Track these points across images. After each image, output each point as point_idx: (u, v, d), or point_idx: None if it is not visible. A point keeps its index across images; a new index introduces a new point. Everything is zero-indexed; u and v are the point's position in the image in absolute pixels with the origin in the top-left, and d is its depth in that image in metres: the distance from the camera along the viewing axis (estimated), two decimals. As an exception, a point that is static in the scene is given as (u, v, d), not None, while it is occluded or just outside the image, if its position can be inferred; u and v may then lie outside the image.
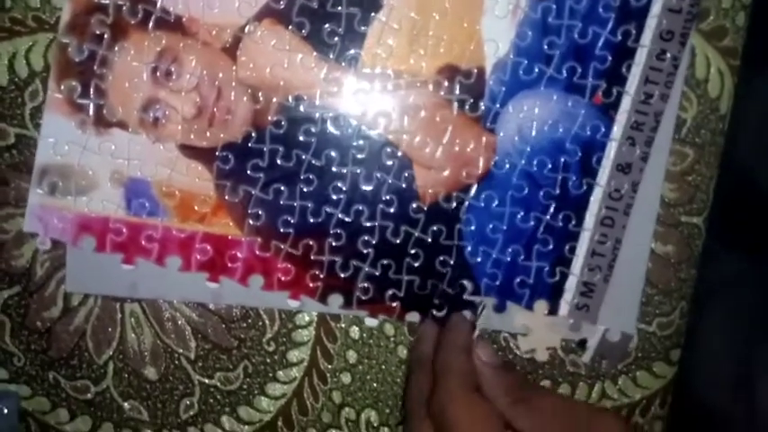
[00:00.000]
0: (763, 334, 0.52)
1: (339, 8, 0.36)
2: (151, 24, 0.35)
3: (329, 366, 0.40)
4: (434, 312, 0.39)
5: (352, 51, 0.37)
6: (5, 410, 0.37)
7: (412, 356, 0.39)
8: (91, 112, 0.36)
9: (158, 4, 0.35)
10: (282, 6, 0.36)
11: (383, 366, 0.40)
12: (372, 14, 0.36)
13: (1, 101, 0.37)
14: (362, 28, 0.36)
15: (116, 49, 0.35)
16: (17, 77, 0.37)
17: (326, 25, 0.36)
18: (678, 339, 0.41)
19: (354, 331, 0.40)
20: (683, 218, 0.40)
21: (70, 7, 0.35)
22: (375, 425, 0.41)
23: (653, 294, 0.40)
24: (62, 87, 0.36)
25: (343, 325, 0.40)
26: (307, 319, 0.40)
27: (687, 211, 0.40)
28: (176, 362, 0.40)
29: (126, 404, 0.40)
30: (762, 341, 0.52)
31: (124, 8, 0.35)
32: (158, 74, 0.36)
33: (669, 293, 0.40)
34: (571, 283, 0.39)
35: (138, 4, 0.35)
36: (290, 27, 0.36)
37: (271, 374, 0.40)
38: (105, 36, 0.35)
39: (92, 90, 0.36)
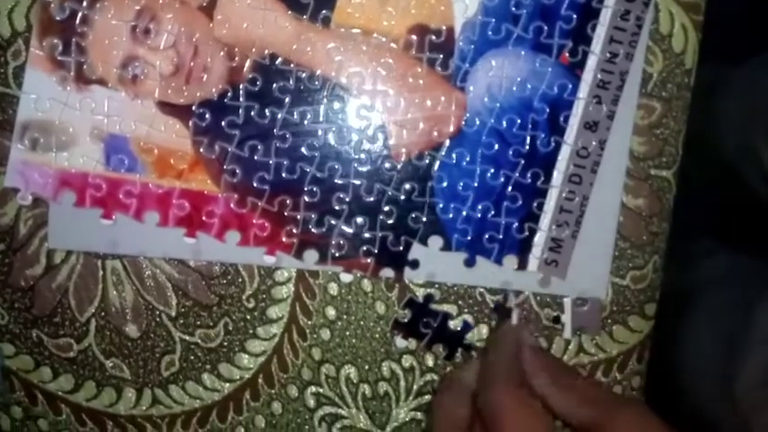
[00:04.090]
0: (745, 327, 0.51)
1: (312, -31, 0.36)
2: (130, -16, 0.35)
3: (309, 323, 0.39)
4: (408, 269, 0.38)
5: (324, 11, 0.36)
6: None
7: (444, 380, 0.38)
8: (72, 69, 0.35)
9: (136, -36, 0.35)
10: (257, -32, 0.35)
11: (362, 322, 0.39)
12: (344, -25, 0.36)
13: (-16, 60, 0.36)
14: (335, -12, 0.36)
15: (96, 7, 0.35)
16: (0, 37, 0.36)
17: (300, -14, 0.36)
18: (652, 293, 0.40)
19: (333, 287, 0.39)
20: (653, 171, 0.39)
21: (52, -32, 0.35)
22: (354, 381, 0.40)
23: (625, 248, 0.39)
24: (44, 44, 0.35)
25: (321, 281, 0.39)
26: (285, 275, 0.39)
27: (657, 164, 0.39)
28: (157, 319, 0.39)
29: (108, 362, 0.39)
30: (744, 335, 0.51)
31: (104, -32, 0.35)
32: (137, 32, 0.35)
33: (642, 247, 0.39)
34: (540, 239, 0.38)
35: (117, -37, 0.35)
36: (264, -13, 0.36)
37: (251, 331, 0.39)
38: (85, -5, 0.35)
39: (73, 47, 0.35)
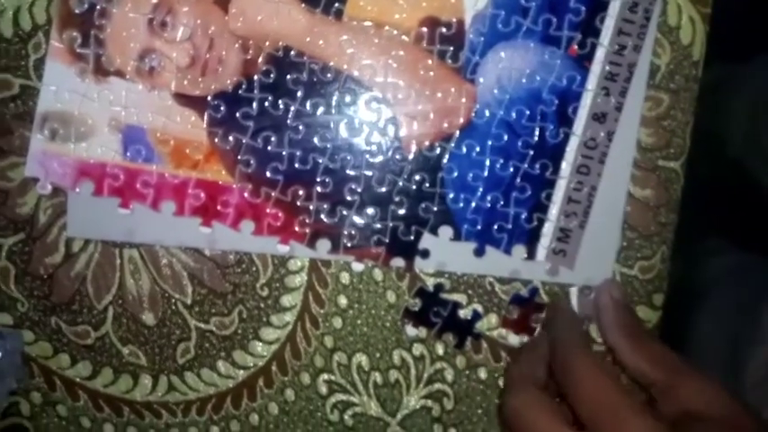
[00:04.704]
0: (753, 326, 0.52)
1: (325, -37, 0.36)
2: (147, -22, 0.35)
3: (321, 311, 0.40)
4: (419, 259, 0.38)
5: (337, 4, 0.36)
6: (8, 347, 0.37)
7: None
8: (90, 61, 0.36)
9: (154, -41, 0.35)
10: (271, -38, 0.36)
11: (373, 311, 0.40)
12: (356, -31, 0.36)
13: (6, 53, 0.37)
14: (347, -18, 0.36)
15: (114, 0, 0.35)
16: (21, 30, 0.37)
17: (313, -20, 0.36)
18: (660, 284, 0.40)
19: (344, 277, 0.40)
20: (661, 162, 0.39)
21: (71, -38, 0.35)
22: (366, 369, 0.40)
23: (633, 238, 0.39)
24: (63, 37, 0.35)
25: (333, 270, 0.39)
26: (299, 264, 0.39)
27: (664, 155, 0.39)
28: (173, 307, 0.40)
29: (125, 349, 0.40)
30: (750, 334, 0.51)
31: (122, -37, 0.35)
32: (154, 25, 0.36)
33: (649, 237, 0.39)
34: (548, 229, 0.39)
35: (135, -42, 0.35)
36: (278, -19, 0.36)
37: (265, 319, 0.40)
38: (104, -11, 0.35)
39: (91, 40, 0.35)
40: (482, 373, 0.40)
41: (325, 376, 0.40)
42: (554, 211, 0.38)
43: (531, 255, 0.39)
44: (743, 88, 0.60)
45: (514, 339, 0.40)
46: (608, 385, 0.31)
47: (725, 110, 0.61)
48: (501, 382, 0.40)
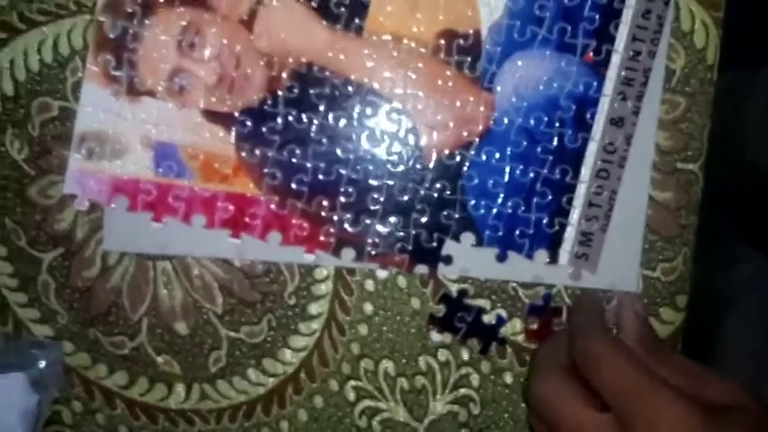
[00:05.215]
0: None
1: (345, -18, 0.37)
2: (176, 1, 0.37)
3: (347, 318, 0.41)
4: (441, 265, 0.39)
5: (356, 20, 0.38)
6: (51, 358, 0.39)
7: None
8: (124, 82, 0.37)
9: (182, -16, 0.37)
10: (293, -18, 0.37)
11: (398, 317, 0.41)
12: (375, -14, 0.37)
13: (46, 77, 0.39)
14: (366, -1, 0.38)
15: (146, 24, 0.37)
16: (60, 55, 0.38)
17: (333, -2, 0.37)
18: (683, 285, 0.40)
19: (369, 284, 0.40)
20: (679, 164, 0.39)
21: (105, -10, 0.37)
22: (392, 375, 0.41)
23: (655, 241, 0.40)
24: (99, 60, 0.37)
25: (358, 278, 0.40)
26: (324, 273, 0.40)
27: (682, 158, 0.39)
28: (205, 317, 0.41)
29: (159, 358, 0.41)
30: None
31: (152, -11, 0.37)
32: (183, 46, 0.37)
33: (671, 239, 0.40)
34: (570, 233, 0.39)
35: (164, -16, 0.37)
36: None
37: (293, 327, 0.41)
38: (136, 14, 0.37)
39: (125, 62, 0.37)
40: (508, 378, 0.41)
41: (353, 383, 0.41)
42: (575, 215, 0.39)
43: (553, 259, 0.39)
44: (760, 90, 0.60)
45: (541, 345, 0.40)
46: (631, 366, 0.30)
47: (741, 114, 0.60)
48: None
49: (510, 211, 0.39)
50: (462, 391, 0.41)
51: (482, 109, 0.38)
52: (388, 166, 0.39)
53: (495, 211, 0.39)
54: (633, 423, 0.29)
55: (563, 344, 0.35)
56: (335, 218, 0.39)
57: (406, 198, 0.39)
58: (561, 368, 0.33)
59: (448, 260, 0.39)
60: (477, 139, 0.38)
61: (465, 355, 0.40)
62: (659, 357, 0.33)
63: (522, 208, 0.39)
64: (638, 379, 0.30)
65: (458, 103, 0.38)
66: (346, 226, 0.39)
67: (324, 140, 0.38)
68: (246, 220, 0.39)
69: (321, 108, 0.38)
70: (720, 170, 0.43)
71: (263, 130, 0.38)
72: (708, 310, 0.56)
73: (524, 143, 0.38)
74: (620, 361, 0.31)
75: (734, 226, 0.63)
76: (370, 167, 0.38)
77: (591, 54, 0.38)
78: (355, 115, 0.38)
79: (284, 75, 0.38)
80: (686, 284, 0.40)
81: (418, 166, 0.39)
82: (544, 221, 0.39)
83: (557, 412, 0.31)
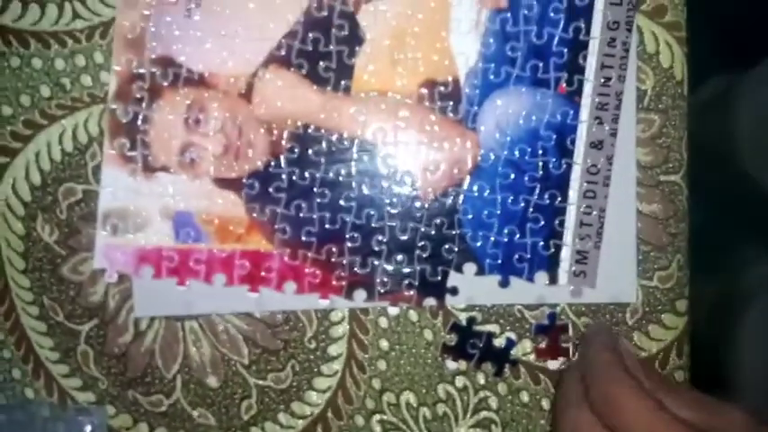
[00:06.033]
0: None
1: (330, 47, 0.41)
2: (180, 83, 0.41)
3: (366, 356, 0.43)
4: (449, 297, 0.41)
5: (344, 81, 0.41)
6: (96, 422, 0.41)
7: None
8: (139, 161, 0.41)
9: (183, 67, 0.41)
10: (284, 53, 0.41)
11: (413, 350, 0.43)
12: (357, 48, 0.41)
13: (69, 165, 0.42)
14: (350, 60, 0.41)
15: (154, 107, 0.41)
16: (79, 143, 0.42)
17: (321, 63, 0.41)
18: (681, 290, 0.42)
19: (383, 321, 0.43)
20: (662, 177, 0.41)
21: (116, 80, 0.41)
22: (414, 405, 0.43)
23: (648, 251, 0.41)
24: (114, 144, 0.41)
25: (372, 317, 0.43)
26: (339, 315, 0.43)
27: (664, 170, 0.41)
28: (233, 368, 0.43)
29: (195, 412, 0.44)
30: None
31: (157, 74, 0.41)
32: (189, 122, 0.41)
33: (663, 248, 0.41)
34: (566, 254, 0.41)
35: (168, 68, 0.41)
36: (291, 69, 0.41)
37: (316, 370, 0.43)
38: (144, 98, 0.41)
39: (138, 143, 0.41)
40: (524, 397, 0.42)
41: (378, 417, 0.43)
42: (568, 236, 0.41)
43: (553, 280, 0.41)
44: (746, 96, 0.62)
45: (554, 364, 0.42)
46: (653, 412, 0.31)
47: (729, 120, 0.62)
48: (544, 404, 0.42)
49: (506, 239, 0.41)
50: (483, 414, 0.42)
51: (469, 147, 0.41)
52: (388, 208, 0.41)
53: (492, 240, 0.41)
54: None
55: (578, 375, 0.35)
56: (345, 262, 0.41)
57: (407, 237, 0.41)
58: (585, 399, 0.33)
59: (454, 291, 0.41)
60: (467, 176, 0.41)
61: (481, 380, 0.42)
62: (670, 391, 0.33)
63: (518, 235, 0.41)
64: (656, 421, 0.30)
65: (446, 145, 0.41)
66: (356, 269, 0.41)
67: (326, 192, 0.41)
68: (263, 274, 0.41)
69: (321, 164, 0.41)
70: (711, 178, 0.44)
71: (270, 190, 0.41)
72: (716, 316, 0.57)
73: (512, 174, 0.41)
74: (642, 408, 0.31)
75: (745, 230, 0.63)
76: (372, 212, 0.41)
77: (564, 85, 0.41)
78: (353, 166, 0.41)
79: (284, 138, 0.41)
80: (684, 289, 0.42)
81: (416, 206, 0.41)
82: (540, 245, 0.41)
83: None
